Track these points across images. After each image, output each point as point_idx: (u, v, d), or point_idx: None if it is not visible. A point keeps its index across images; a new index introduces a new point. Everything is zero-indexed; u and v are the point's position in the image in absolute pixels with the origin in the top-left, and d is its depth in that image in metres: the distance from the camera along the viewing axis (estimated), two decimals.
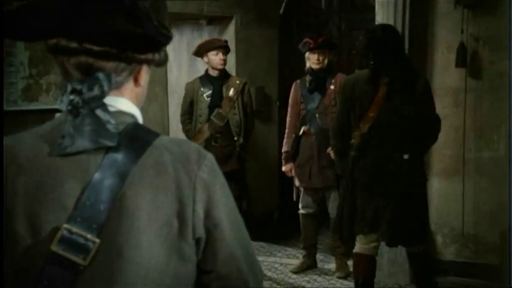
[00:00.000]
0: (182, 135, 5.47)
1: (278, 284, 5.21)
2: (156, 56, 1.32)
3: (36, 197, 1.23)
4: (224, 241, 1.30)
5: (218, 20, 6.42)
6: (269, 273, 5.41)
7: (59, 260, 1.20)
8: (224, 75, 5.40)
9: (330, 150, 5.03)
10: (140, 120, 1.36)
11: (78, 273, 1.20)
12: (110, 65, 1.26)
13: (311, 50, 5.10)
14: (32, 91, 4.84)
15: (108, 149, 1.25)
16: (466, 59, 4.82)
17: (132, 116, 1.32)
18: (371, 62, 3.91)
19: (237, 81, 5.43)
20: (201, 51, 5.33)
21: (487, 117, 4.85)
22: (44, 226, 1.22)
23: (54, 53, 1.26)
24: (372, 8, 5.38)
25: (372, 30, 4.09)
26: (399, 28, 4.90)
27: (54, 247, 1.19)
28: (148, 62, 1.33)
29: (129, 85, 1.33)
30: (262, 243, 6.21)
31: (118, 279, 1.22)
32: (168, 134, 5.75)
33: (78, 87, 1.24)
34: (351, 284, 5.11)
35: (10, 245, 1.23)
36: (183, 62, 6.67)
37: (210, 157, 1.32)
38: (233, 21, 6.38)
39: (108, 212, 1.21)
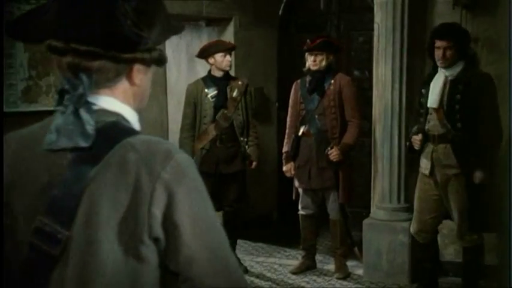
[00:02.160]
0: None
1: (277, 284, 5.22)
2: (146, 55, 1.35)
3: (18, 188, 1.33)
4: (184, 244, 1.28)
5: (217, 21, 6.42)
6: (268, 274, 5.42)
7: (37, 250, 1.28)
8: (227, 76, 5.41)
9: (328, 150, 5.04)
10: (131, 118, 1.39)
11: (53, 263, 1.27)
12: (96, 64, 1.31)
13: (308, 51, 5.11)
14: (31, 93, 4.85)
15: (83, 147, 1.30)
16: (475, 61, 4.80)
17: (118, 114, 1.36)
18: None
19: (240, 83, 5.44)
20: (207, 53, 5.32)
21: None
22: (23, 217, 1.31)
23: (51, 53, 1.32)
24: (371, 9, 5.39)
25: None
26: (398, 29, 4.92)
27: (31, 237, 1.28)
28: (138, 61, 1.35)
29: (122, 85, 1.37)
30: (261, 244, 6.22)
31: (85, 272, 1.27)
32: (167, 133, 5.76)
33: (66, 86, 1.31)
34: (350, 284, 5.14)
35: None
36: (182, 62, 6.67)
37: (179, 158, 1.31)
38: (232, 23, 6.39)
39: (76, 207, 1.26)
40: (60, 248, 1.27)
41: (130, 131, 1.34)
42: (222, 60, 5.29)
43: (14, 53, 4.70)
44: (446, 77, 4.43)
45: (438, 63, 4.42)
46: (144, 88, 1.41)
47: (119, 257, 1.27)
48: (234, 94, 5.36)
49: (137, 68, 1.36)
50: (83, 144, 1.29)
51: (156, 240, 1.28)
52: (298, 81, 5.34)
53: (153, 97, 5.61)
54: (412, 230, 4.72)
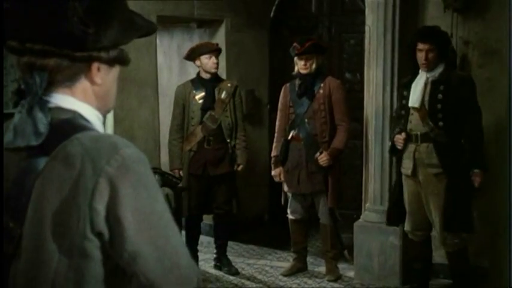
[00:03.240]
0: None
1: (268, 286, 5.21)
2: (103, 55, 1.36)
3: None
4: (128, 240, 1.27)
5: (208, 23, 6.42)
6: (259, 276, 5.41)
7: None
8: (216, 78, 5.40)
9: (318, 155, 5.04)
10: (90, 116, 1.39)
11: (9, 260, 1.29)
12: (51, 63, 1.32)
13: (298, 55, 5.08)
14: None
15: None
16: (456, 63, 4.84)
17: (74, 112, 1.36)
18: None
19: (229, 84, 5.44)
20: (193, 55, 5.32)
21: None
22: None
23: (11, 54, 1.35)
24: (362, 12, 5.40)
25: None
26: (389, 31, 4.93)
27: None
28: (95, 60, 1.36)
29: (82, 84, 1.38)
30: (252, 246, 6.22)
31: (32, 269, 1.28)
32: (158, 136, 5.75)
33: (22, 86, 1.33)
34: (341, 286, 5.16)
35: None
36: (174, 64, 6.67)
37: (125, 152, 1.29)
38: (223, 25, 6.38)
39: (27, 203, 1.28)
40: (13, 246, 1.28)
41: (81, 127, 1.33)
42: (207, 62, 5.28)
43: (5, 54, 4.67)
44: (427, 78, 4.47)
45: (421, 66, 4.48)
46: (107, 87, 1.42)
47: (64, 252, 1.27)
48: (222, 96, 5.35)
49: (96, 66, 1.37)
50: (34, 142, 1.30)
51: (99, 234, 1.27)
52: (288, 84, 5.32)
53: (144, 99, 5.61)
54: (406, 228, 4.73)
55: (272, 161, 5.35)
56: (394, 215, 4.74)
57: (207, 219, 5.79)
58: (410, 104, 4.50)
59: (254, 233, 6.47)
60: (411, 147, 4.53)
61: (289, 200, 5.34)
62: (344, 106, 5.13)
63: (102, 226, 1.27)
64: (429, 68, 4.46)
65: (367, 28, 5.15)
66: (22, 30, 1.31)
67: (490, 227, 4.67)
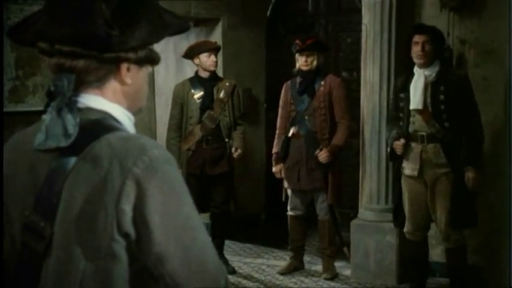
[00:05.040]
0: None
1: (265, 285, 5.22)
2: (131, 55, 1.36)
3: (11, 186, 1.38)
4: (155, 241, 1.28)
5: (205, 22, 6.41)
6: (256, 275, 5.42)
7: (27, 247, 1.31)
8: (214, 77, 5.40)
9: (318, 152, 5.05)
10: (120, 116, 1.39)
11: (40, 259, 1.29)
12: (80, 64, 1.32)
13: (299, 52, 5.11)
14: (18, 92, 4.82)
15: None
16: (452, 62, 4.85)
17: (104, 112, 1.37)
18: None
19: (227, 83, 5.43)
20: (192, 54, 5.32)
21: None
22: (17, 214, 1.36)
23: (41, 55, 1.35)
24: (359, 10, 5.41)
25: None
26: (386, 30, 4.94)
27: (22, 234, 1.32)
28: (124, 61, 1.36)
29: (111, 84, 1.38)
30: (249, 245, 6.22)
31: (62, 270, 1.28)
32: (155, 134, 5.74)
33: (51, 88, 1.34)
34: (338, 285, 5.16)
35: None
36: (170, 63, 6.66)
37: (153, 154, 1.29)
38: (220, 23, 6.38)
39: (58, 203, 1.29)
40: (44, 245, 1.29)
41: (110, 128, 1.34)
42: (206, 61, 5.28)
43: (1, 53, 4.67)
44: (426, 78, 4.43)
45: (416, 60, 4.44)
46: (137, 87, 1.42)
47: (91, 253, 1.27)
48: (221, 95, 5.35)
49: (125, 67, 1.37)
50: (64, 144, 1.30)
51: (126, 236, 1.27)
52: (288, 82, 5.35)
53: None
54: (406, 230, 4.69)
55: (273, 158, 5.36)
56: (401, 215, 4.70)
57: (204, 218, 5.78)
58: (412, 107, 4.46)
59: (251, 232, 6.47)
60: (417, 148, 4.50)
61: (290, 196, 5.36)
62: (344, 104, 5.15)
63: (129, 227, 1.27)
64: (426, 62, 4.42)
65: (363, 27, 5.15)
66: (51, 31, 1.31)
67: (489, 226, 4.67)
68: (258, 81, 6.81)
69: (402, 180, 4.66)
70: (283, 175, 5.30)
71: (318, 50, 5.16)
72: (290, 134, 5.23)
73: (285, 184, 5.35)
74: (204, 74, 5.34)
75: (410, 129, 4.52)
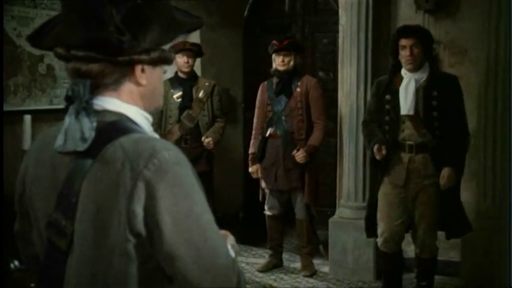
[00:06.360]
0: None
1: (245, 282, 5.24)
2: (144, 57, 1.39)
3: (37, 182, 1.45)
4: (165, 241, 1.30)
5: None
6: None
7: (51, 243, 1.37)
8: (193, 77, 5.43)
9: (295, 152, 5.11)
10: (137, 118, 1.43)
11: (64, 256, 1.35)
12: (95, 68, 1.36)
13: (276, 52, 5.16)
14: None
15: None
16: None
17: (121, 114, 1.40)
18: None
19: (206, 83, 5.46)
20: None
21: None
22: (41, 211, 1.43)
23: (59, 60, 1.41)
24: (335, 12, 5.49)
25: None
26: (362, 30, 5.01)
27: (46, 231, 1.39)
28: (138, 63, 1.39)
29: (127, 86, 1.42)
30: None
31: (83, 268, 1.34)
32: None
33: (69, 92, 1.38)
34: (317, 282, 5.21)
35: (26, 228, 1.52)
36: None
37: (164, 155, 1.32)
38: None
39: (77, 203, 1.34)
40: (67, 242, 1.34)
41: (125, 130, 1.37)
42: (179, 61, 5.32)
43: None
44: (417, 82, 4.21)
45: (405, 65, 4.22)
46: (152, 87, 1.45)
47: (107, 252, 1.31)
48: (200, 95, 5.38)
49: (140, 68, 1.40)
50: (80, 148, 1.34)
51: (139, 236, 1.31)
52: (265, 82, 5.38)
53: None
54: (379, 242, 4.46)
55: (250, 158, 5.39)
56: (373, 225, 4.49)
57: None
58: (403, 112, 4.22)
59: (229, 230, 6.45)
60: (405, 157, 4.26)
61: (267, 196, 5.40)
62: (321, 104, 5.20)
63: (141, 228, 1.30)
64: (415, 66, 4.20)
65: (340, 27, 5.23)
66: (67, 37, 1.35)
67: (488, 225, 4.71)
68: (236, 81, 6.86)
69: (381, 187, 4.41)
70: (259, 175, 5.34)
71: (294, 51, 5.20)
72: (267, 134, 5.26)
73: (262, 184, 5.39)
74: (182, 75, 5.38)
75: (399, 137, 4.29)
